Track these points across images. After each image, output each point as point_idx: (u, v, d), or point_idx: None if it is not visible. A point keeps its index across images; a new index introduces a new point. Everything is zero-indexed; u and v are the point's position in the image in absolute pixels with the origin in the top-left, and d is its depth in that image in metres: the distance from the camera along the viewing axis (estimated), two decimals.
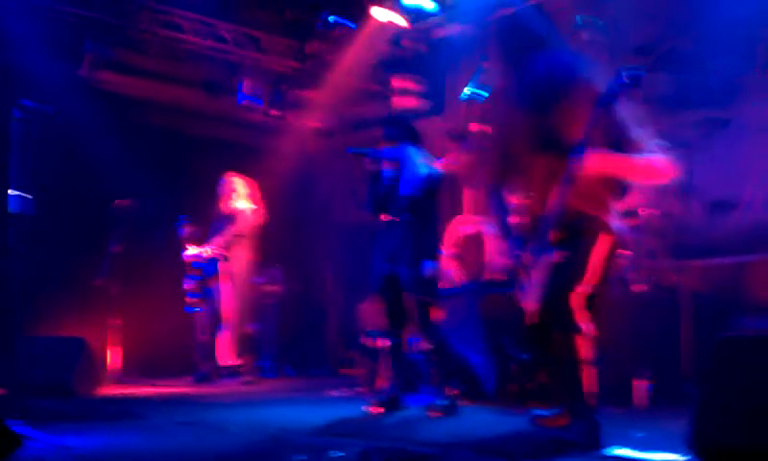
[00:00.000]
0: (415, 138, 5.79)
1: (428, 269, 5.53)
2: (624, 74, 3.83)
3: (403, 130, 5.77)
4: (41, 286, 7.37)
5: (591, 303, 4.06)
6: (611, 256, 4.14)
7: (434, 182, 5.64)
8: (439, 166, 5.71)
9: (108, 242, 8.24)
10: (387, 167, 5.71)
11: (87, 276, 8.14)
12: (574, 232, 4.04)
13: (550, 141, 4.12)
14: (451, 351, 6.16)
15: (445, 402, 5.50)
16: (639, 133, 4.04)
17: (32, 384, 6.43)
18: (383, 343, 5.91)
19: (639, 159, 3.98)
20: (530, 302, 4.15)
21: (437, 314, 5.63)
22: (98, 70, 8.52)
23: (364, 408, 5.63)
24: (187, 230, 8.41)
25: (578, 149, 3.92)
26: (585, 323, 4.01)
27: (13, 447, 3.69)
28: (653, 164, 4.01)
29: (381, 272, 5.71)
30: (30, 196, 5.72)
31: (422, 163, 5.67)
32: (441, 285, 7.08)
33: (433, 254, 5.59)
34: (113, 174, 8.55)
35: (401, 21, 8.78)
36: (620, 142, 3.97)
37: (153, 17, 8.66)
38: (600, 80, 4.05)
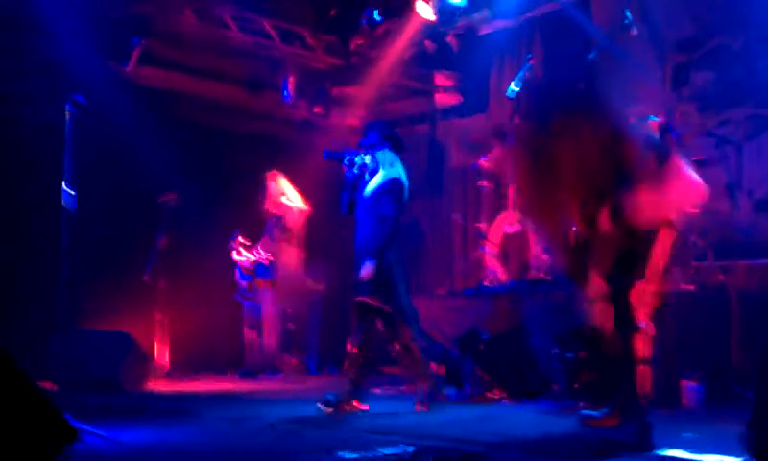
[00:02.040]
0: (395, 144, 5.84)
1: (365, 269, 5.52)
2: (672, 128, 3.89)
3: (382, 135, 5.82)
4: (89, 282, 7.48)
5: (652, 300, 4.04)
6: (673, 251, 4.12)
7: (392, 186, 5.67)
8: (396, 172, 5.73)
9: (154, 237, 8.34)
10: (364, 172, 5.79)
11: (134, 271, 8.24)
12: (632, 231, 4.04)
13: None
14: (498, 351, 6.15)
15: (424, 396, 5.63)
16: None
17: (80, 380, 6.52)
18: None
19: (675, 194, 4.06)
20: (586, 300, 4.15)
21: (383, 317, 5.61)
22: (144, 67, 8.60)
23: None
24: (239, 243, 8.51)
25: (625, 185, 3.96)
26: (643, 320, 3.99)
27: (71, 439, 3.75)
28: (685, 191, 4.09)
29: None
30: (73, 192, 5.81)
31: (393, 167, 5.71)
32: (485, 284, 7.10)
33: (374, 253, 5.53)
34: (158, 170, 8.62)
35: (444, 17, 8.74)
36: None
37: (197, 13, 8.70)
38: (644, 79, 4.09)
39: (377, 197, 5.66)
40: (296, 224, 8.46)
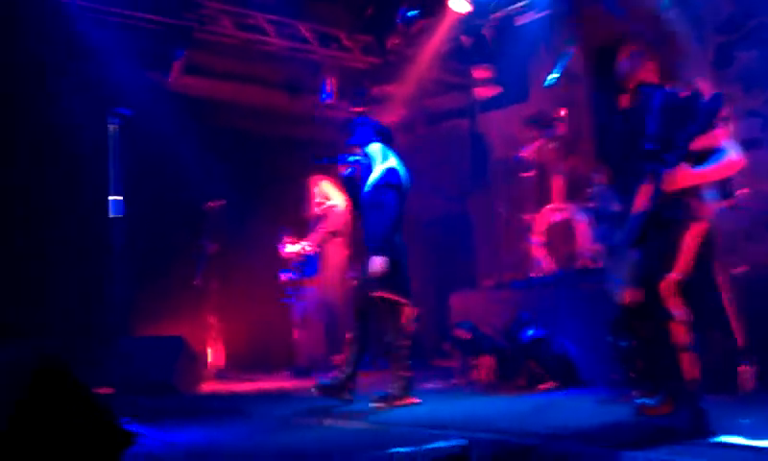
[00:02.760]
0: (384, 137, 5.86)
1: (375, 264, 5.52)
2: (719, 98, 3.83)
3: (370, 130, 5.85)
4: (142, 288, 7.61)
5: (683, 288, 4.00)
6: (703, 243, 4.08)
7: (388, 178, 5.68)
8: (392, 164, 5.73)
9: (201, 243, 8.45)
10: (357, 171, 5.82)
11: (184, 276, 8.38)
12: (665, 219, 4.01)
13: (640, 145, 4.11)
14: (547, 341, 6.11)
15: (384, 394, 5.60)
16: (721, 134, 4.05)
17: (135, 383, 6.64)
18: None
19: (715, 168, 4.07)
20: (622, 289, 4.11)
21: (404, 311, 5.64)
22: (185, 76, 8.72)
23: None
24: (286, 242, 8.58)
25: (665, 161, 3.92)
26: (678, 309, 3.96)
27: (126, 444, 3.81)
28: (726, 166, 4.10)
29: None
30: (121, 199, 5.92)
31: (386, 160, 5.74)
32: (533, 275, 7.05)
33: (381, 249, 5.54)
34: (202, 176, 8.74)
35: (480, 10, 8.70)
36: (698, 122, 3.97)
37: (234, 21, 8.80)
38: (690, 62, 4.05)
39: (376, 190, 5.68)
40: (340, 223, 8.51)
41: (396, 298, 5.60)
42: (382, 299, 5.59)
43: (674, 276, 3.98)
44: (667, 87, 4.20)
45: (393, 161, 5.76)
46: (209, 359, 8.36)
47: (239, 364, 8.63)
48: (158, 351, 7.00)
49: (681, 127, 3.88)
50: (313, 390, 5.71)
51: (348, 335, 5.83)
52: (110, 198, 5.96)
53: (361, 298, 5.72)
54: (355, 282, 5.89)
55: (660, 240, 4.02)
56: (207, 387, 7.34)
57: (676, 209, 4.03)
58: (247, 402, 6.18)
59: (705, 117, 3.86)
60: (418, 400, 5.66)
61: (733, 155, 4.09)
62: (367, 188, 5.74)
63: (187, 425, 5.07)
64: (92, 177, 7.06)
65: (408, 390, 5.65)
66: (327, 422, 5.12)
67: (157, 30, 8.39)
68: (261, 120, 9.69)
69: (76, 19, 7.68)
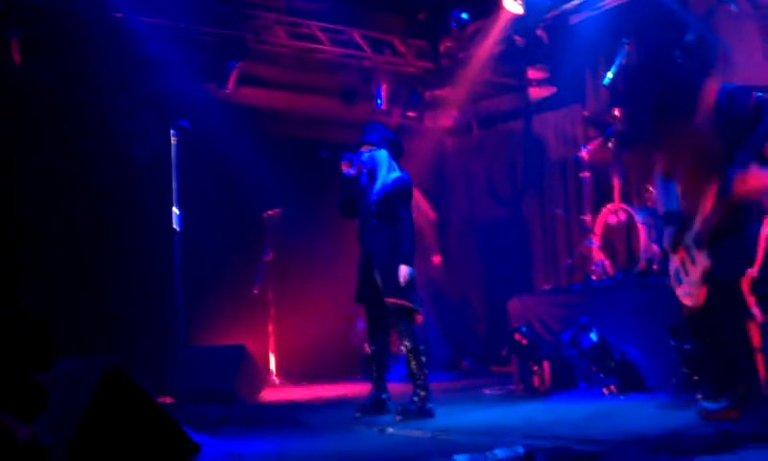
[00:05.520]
0: (394, 146, 5.80)
1: (402, 273, 5.47)
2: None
3: (381, 136, 5.79)
4: (203, 298, 7.74)
5: (758, 287, 3.92)
6: None
7: (403, 188, 5.64)
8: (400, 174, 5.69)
9: (260, 252, 8.55)
10: (361, 172, 5.76)
11: (245, 285, 8.49)
12: (740, 218, 3.92)
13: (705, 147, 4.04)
14: (608, 345, 6.03)
15: (406, 406, 5.50)
16: None
17: (197, 392, 6.75)
18: None
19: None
20: (693, 290, 4.04)
21: (417, 318, 5.59)
22: (241, 87, 8.84)
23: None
24: None
25: (737, 163, 3.85)
26: (755, 308, 3.87)
27: (193, 453, 3.88)
28: None
29: (359, 277, 5.77)
30: (180, 211, 6.03)
31: (393, 169, 5.69)
32: (593, 278, 6.95)
33: (407, 258, 5.51)
34: (260, 185, 8.85)
35: (530, 10, 8.62)
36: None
37: (288, 30, 8.89)
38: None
39: (386, 199, 5.63)
40: (425, 232, 8.55)
41: (411, 305, 5.56)
42: (397, 306, 5.55)
43: (752, 273, 3.90)
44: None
45: (401, 172, 5.73)
46: (270, 368, 8.44)
47: (300, 372, 8.69)
48: (220, 361, 7.09)
49: (751, 131, 3.81)
50: (356, 414, 5.67)
51: (368, 349, 5.81)
52: (173, 210, 6.09)
53: (375, 308, 5.69)
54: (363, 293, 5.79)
55: (736, 239, 3.94)
56: (268, 396, 7.41)
57: (748, 211, 3.95)
58: (307, 411, 6.23)
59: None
60: (434, 415, 5.53)
61: None
62: (375, 196, 5.68)
63: (250, 435, 5.13)
64: (155, 189, 7.21)
65: (429, 402, 5.55)
66: (389, 430, 5.13)
67: (214, 42, 8.53)
68: (317, 127, 9.74)
69: (135, 34, 7.84)
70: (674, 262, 4.24)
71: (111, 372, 3.76)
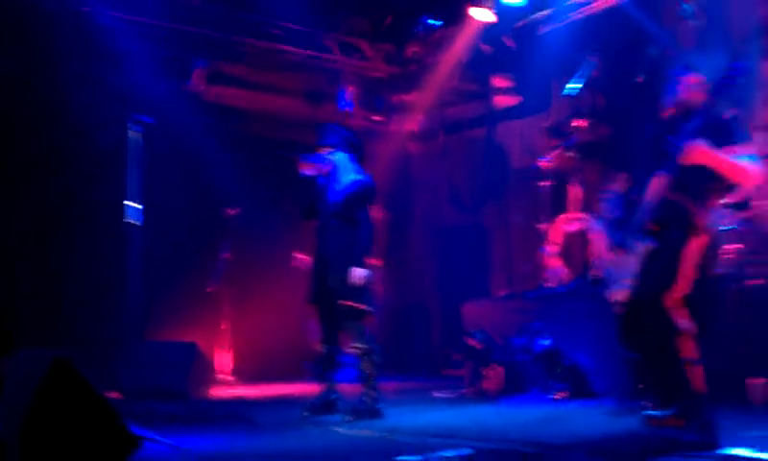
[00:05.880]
0: (354, 148, 5.79)
1: (356, 275, 5.47)
2: (734, 65, 3.79)
3: (340, 138, 5.77)
4: (156, 294, 7.66)
5: (688, 301, 3.98)
6: (705, 255, 4.04)
7: (362, 191, 5.63)
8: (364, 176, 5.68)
9: (218, 250, 8.50)
10: (320, 173, 5.73)
11: (200, 283, 8.42)
12: (666, 226, 3.99)
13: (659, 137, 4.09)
14: (559, 352, 6.08)
15: (356, 406, 5.49)
16: (740, 135, 4.01)
17: (147, 388, 6.68)
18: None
19: (731, 163, 3.97)
20: (621, 296, 4.11)
21: (368, 321, 5.57)
22: (206, 85, 8.79)
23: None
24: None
25: (683, 137, 3.90)
26: (683, 321, 3.93)
27: (133, 448, 3.84)
28: (742, 169, 4.00)
29: (312, 278, 5.73)
30: (140, 206, 5.98)
31: (352, 172, 5.67)
32: (547, 285, 7.01)
33: (361, 260, 5.51)
34: (222, 183, 8.80)
35: (498, 19, 8.67)
36: (722, 138, 3.94)
37: (255, 30, 8.86)
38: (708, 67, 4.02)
39: (347, 203, 5.60)
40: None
41: (363, 307, 5.55)
42: (350, 308, 5.53)
43: (678, 290, 3.96)
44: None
45: (362, 174, 5.69)
46: (222, 366, 8.39)
47: (251, 371, 8.64)
48: (171, 357, 7.02)
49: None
50: (305, 413, 5.63)
51: (318, 348, 5.76)
52: (127, 203, 6.04)
53: (328, 309, 5.65)
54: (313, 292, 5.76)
55: (661, 248, 4.00)
56: (219, 393, 7.37)
57: (678, 215, 4.00)
58: (257, 409, 6.19)
59: (719, 87, 3.86)
60: (383, 416, 5.52)
61: (751, 164, 4.03)
62: (335, 197, 5.64)
63: (197, 431, 5.09)
64: (109, 182, 7.15)
65: (378, 402, 5.55)
66: (336, 429, 5.13)
67: (179, 38, 8.48)
68: (283, 128, 9.71)
69: (98, 27, 7.78)
70: (612, 265, 4.30)
71: (56, 363, 3.73)
